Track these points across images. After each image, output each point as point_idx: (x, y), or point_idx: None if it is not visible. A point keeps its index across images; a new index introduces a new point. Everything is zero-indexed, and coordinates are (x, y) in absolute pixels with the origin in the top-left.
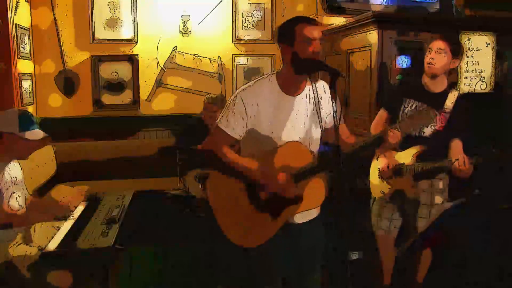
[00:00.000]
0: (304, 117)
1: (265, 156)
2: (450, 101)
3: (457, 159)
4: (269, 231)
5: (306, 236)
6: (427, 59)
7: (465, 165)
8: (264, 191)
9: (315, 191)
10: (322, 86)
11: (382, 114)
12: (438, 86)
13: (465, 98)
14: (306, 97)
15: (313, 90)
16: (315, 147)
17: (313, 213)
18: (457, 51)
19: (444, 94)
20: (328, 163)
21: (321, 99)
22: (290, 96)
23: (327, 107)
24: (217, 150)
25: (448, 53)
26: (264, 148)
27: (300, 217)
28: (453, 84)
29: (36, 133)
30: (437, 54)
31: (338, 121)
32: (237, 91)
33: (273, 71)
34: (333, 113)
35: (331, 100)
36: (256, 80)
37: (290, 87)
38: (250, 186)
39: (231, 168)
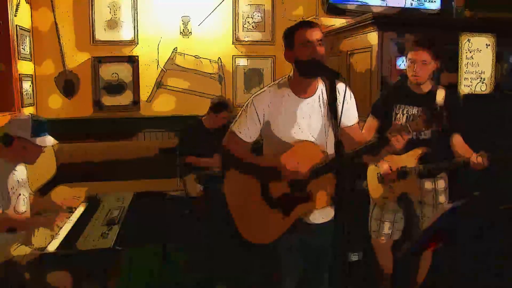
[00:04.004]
0: (318, 118)
1: (278, 156)
2: (439, 98)
3: (478, 155)
4: (280, 228)
5: (324, 236)
6: (410, 70)
7: (484, 160)
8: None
9: (327, 189)
10: (337, 86)
11: (372, 121)
12: (425, 86)
13: (454, 93)
14: (319, 99)
15: (327, 90)
16: (330, 147)
17: (330, 212)
18: (438, 53)
19: (432, 93)
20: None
21: (336, 99)
22: (303, 98)
23: (344, 107)
24: (233, 152)
25: (431, 60)
26: (280, 149)
27: (319, 217)
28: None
29: (48, 140)
30: (422, 66)
31: (339, 121)
32: (251, 97)
33: (273, 72)
34: (340, 114)
35: (343, 101)
36: (269, 85)
37: (301, 90)
38: (263, 184)
39: (249, 167)
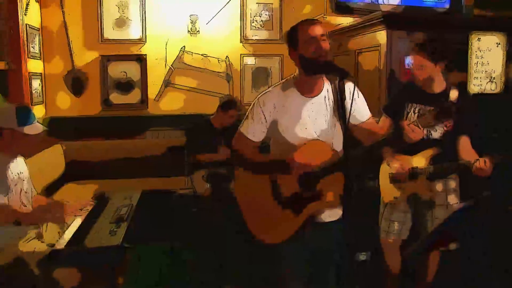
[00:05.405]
0: (324, 117)
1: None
2: (453, 98)
3: (478, 159)
4: (291, 227)
5: (331, 235)
6: (412, 72)
7: (486, 165)
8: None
9: (337, 188)
10: (344, 85)
11: (385, 121)
12: (437, 86)
13: (467, 94)
14: (325, 98)
15: (333, 89)
16: (338, 146)
17: (338, 211)
18: (438, 56)
19: (445, 94)
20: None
21: (344, 97)
22: (308, 97)
23: (353, 105)
24: (242, 153)
25: (428, 63)
26: (287, 149)
27: (327, 216)
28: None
29: (35, 127)
30: (418, 70)
31: (348, 119)
32: (257, 97)
33: (281, 71)
34: (349, 112)
35: (352, 98)
36: (274, 85)
37: (307, 89)
38: (274, 183)
39: (259, 166)
